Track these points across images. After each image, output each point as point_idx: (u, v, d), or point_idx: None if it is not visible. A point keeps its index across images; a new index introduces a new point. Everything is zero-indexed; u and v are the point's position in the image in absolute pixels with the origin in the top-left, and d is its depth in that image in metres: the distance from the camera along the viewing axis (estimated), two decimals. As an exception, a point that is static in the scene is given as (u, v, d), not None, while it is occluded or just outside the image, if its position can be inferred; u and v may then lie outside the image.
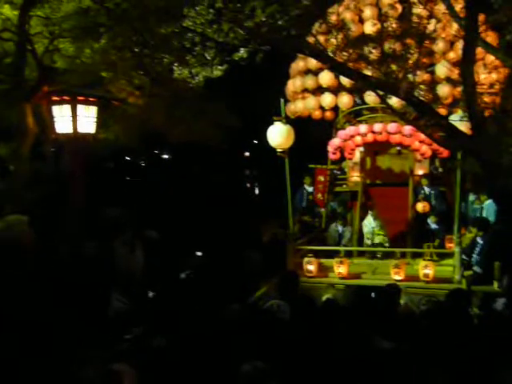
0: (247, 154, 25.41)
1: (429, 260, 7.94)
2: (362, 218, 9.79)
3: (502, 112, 5.03)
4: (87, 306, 4.06)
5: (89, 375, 2.57)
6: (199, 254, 8.66)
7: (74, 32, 6.24)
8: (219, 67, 7.25)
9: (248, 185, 25.76)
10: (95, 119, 6.85)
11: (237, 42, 5.70)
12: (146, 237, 7.24)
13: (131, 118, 7.31)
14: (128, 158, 22.06)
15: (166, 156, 24.86)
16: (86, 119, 6.77)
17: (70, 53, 6.62)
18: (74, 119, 6.66)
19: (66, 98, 6.62)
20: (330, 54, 5.29)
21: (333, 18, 5.87)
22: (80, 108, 6.69)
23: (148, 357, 3.29)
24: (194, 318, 4.68)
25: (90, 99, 6.70)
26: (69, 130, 6.73)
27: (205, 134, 7.61)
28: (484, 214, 9.27)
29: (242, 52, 6.80)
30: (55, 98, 6.69)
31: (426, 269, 7.83)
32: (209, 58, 6.65)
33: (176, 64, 6.97)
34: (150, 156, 23.52)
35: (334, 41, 5.13)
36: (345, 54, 5.03)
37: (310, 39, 5.41)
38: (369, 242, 9.16)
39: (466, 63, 4.67)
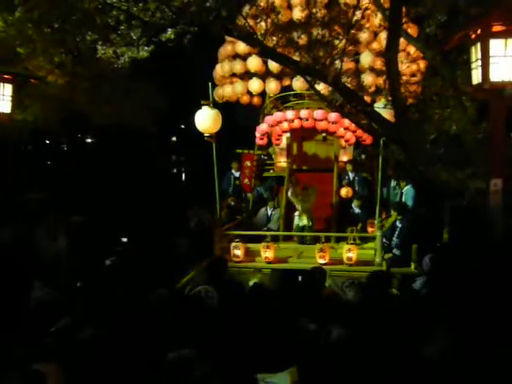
0: (174, 138, 25.01)
1: (352, 244, 8.17)
2: (288, 203, 9.92)
3: (423, 101, 5.24)
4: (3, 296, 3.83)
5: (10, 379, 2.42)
6: (125, 239, 8.42)
7: (-17, 1, 5.78)
8: (146, 48, 7.01)
9: (175, 170, 25.41)
10: (11, 98, 6.44)
11: (164, 22, 5.50)
12: (70, 222, 6.96)
13: (51, 98, 6.88)
14: (48, 142, 21.07)
15: (89, 140, 23.97)
16: (1, 98, 6.38)
17: (-21, 24, 6.15)
18: (-14, 97, 6.23)
19: (-24, 74, 6.18)
20: (260, 38, 5.26)
21: (262, 3, 5.84)
22: (-7, 85, 6.27)
23: (74, 350, 3.15)
24: (119, 306, 4.56)
25: (5, 76, 6.27)
26: (-19, 109, 6.30)
27: (131, 116, 7.34)
28: (403, 199, 9.70)
29: (170, 33, 6.61)
30: (-36, 74, 6.24)
31: (349, 252, 8.04)
32: (134, 37, 6.39)
33: (100, 43, 6.65)
34: (72, 139, 22.56)
35: (263, 25, 5.09)
36: (274, 38, 5.02)
37: (240, 22, 5.35)
38: (297, 222, 9.25)
39: (391, 52, 4.80)
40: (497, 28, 3.86)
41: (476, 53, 4.05)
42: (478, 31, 3.99)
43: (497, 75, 3.93)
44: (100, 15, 5.99)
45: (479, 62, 4.00)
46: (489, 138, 4.31)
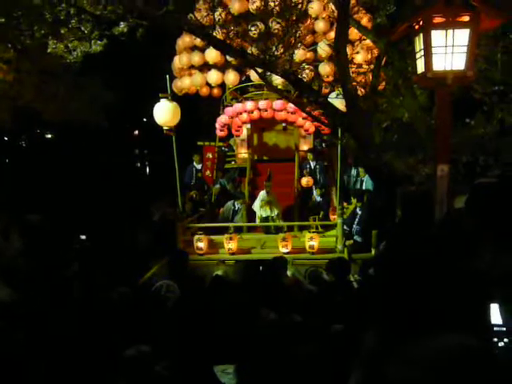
0: (136, 132, 24.72)
1: (314, 232, 8.29)
2: (250, 194, 9.96)
3: (373, 90, 5.33)
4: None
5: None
6: (83, 237, 8.30)
7: None
8: (99, 42, 6.91)
9: (138, 164, 25.12)
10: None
11: (114, 17, 5.44)
12: (25, 221, 6.81)
13: (-1, 95, 6.67)
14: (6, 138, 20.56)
15: (49, 136, 23.47)
16: None
17: None
18: None
19: None
20: (211, 31, 5.25)
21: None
22: None
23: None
24: (78, 303, 4.53)
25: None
26: None
27: (82, 112, 7.21)
28: (364, 187, 9.88)
29: (122, 26, 6.54)
30: None
31: (311, 240, 8.16)
32: (86, 31, 6.29)
33: (50, 37, 6.51)
34: (31, 136, 22.06)
35: (212, 17, 5.08)
36: (224, 30, 5.02)
37: (191, 15, 5.33)
38: (261, 213, 9.27)
39: (340, 42, 4.86)
40: (438, 19, 3.97)
41: (419, 43, 4.16)
42: (421, 22, 4.09)
43: (439, 64, 4.05)
44: (48, 9, 5.85)
45: (422, 52, 4.12)
46: (435, 125, 4.44)
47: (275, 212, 9.17)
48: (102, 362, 3.35)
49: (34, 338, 3.53)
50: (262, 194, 9.16)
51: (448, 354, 1.32)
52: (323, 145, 11.33)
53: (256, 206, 9.21)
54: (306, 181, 9.95)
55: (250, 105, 9.86)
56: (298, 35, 5.31)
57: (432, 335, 1.40)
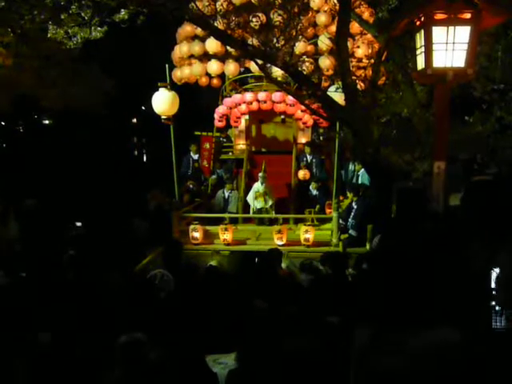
0: (134, 120, 24.62)
1: (309, 225, 8.31)
2: (247, 185, 9.96)
3: (373, 84, 5.33)
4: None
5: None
6: (79, 224, 8.31)
7: None
8: (99, 28, 6.88)
9: (136, 152, 25.05)
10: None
11: (114, 3, 5.41)
12: (23, 206, 6.83)
13: (-2, 79, 6.63)
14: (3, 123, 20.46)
15: (47, 122, 23.33)
16: None
17: None
18: None
19: None
20: (212, 21, 5.23)
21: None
22: None
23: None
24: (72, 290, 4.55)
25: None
26: None
27: (81, 99, 7.18)
28: (360, 181, 9.88)
29: (123, 13, 6.50)
30: None
31: (306, 233, 8.18)
32: (86, 18, 6.26)
33: (50, 23, 6.47)
34: (27, 121, 21.93)
35: (213, 7, 5.06)
36: (225, 20, 5.00)
37: (192, 4, 5.30)
38: (255, 204, 9.27)
39: (341, 35, 4.86)
40: (439, 16, 3.97)
41: (420, 39, 4.16)
42: (422, 18, 4.10)
43: (439, 61, 4.06)
44: (49, -6, 5.82)
45: (423, 49, 4.12)
46: (434, 122, 4.45)
47: (269, 203, 9.18)
48: (97, 349, 3.37)
49: (29, 324, 3.55)
50: (256, 185, 9.16)
51: (435, 348, 1.34)
52: (321, 138, 11.32)
53: (250, 197, 9.21)
54: (302, 174, 9.95)
55: (249, 96, 9.83)
56: (299, 28, 5.30)
57: (422, 329, 1.41)
